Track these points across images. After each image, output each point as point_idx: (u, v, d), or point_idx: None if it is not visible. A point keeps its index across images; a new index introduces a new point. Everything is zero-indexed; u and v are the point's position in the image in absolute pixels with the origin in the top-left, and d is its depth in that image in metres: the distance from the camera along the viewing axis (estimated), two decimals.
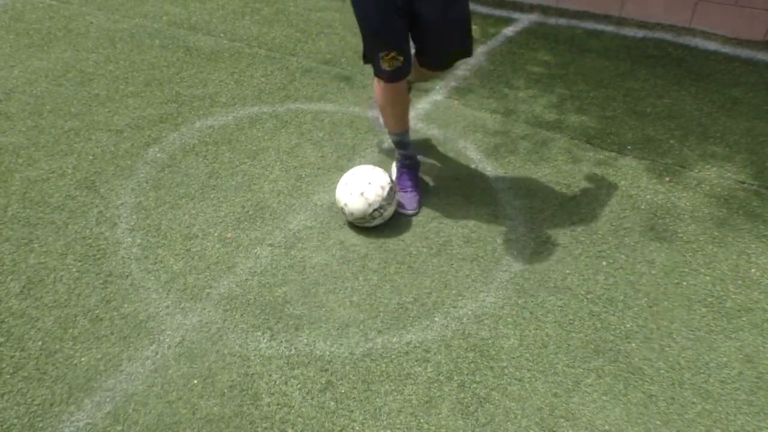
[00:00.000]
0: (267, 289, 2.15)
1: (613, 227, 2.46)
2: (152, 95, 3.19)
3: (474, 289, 2.18)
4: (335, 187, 2.46)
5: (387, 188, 2.35)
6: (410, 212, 2.49)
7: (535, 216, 2.50)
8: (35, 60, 3.46)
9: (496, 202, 2.58)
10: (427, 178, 2.69)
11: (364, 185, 2.32)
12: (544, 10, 4.32)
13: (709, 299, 2.16)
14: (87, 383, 1.82)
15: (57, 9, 4.07)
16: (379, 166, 2.49)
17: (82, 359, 1.89)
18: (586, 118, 3.14)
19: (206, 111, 3.09)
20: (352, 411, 1.79)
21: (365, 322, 2.05)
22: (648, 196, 2.63)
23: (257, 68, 3.48)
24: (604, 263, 2.30)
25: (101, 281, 2.15)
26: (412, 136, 2.92)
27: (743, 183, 2.71)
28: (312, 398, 1.82)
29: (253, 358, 1.92)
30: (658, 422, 1.78)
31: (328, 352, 1.95)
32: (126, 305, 2.07)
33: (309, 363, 1.91)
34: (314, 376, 1.87)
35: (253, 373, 1.87)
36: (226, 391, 1.82)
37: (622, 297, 2.17)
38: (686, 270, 2.28)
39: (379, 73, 2.26)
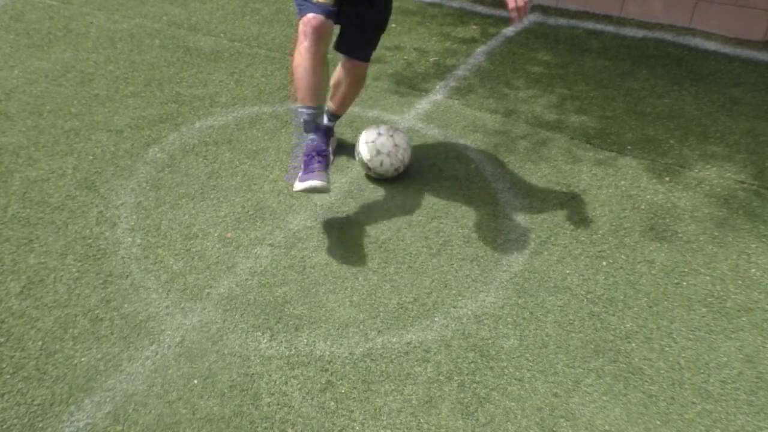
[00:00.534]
0: (267, 289, 2.15)
1: (613, 227, 2.46)
2: (152, 95, 3.19)
3: (474, 289, 2.18)
4: (335, 187, 2.45)
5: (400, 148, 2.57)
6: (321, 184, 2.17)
7: (535, 216, 2.50)
8: (35, 60, 3.46)
9: (496, 202, 2.58)
10: (427, 178, 2.69)
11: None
12: (544, 10, 4.31)
13: (709, 299, 2.17)
14: (87, 383, 1.82)
15: (57, 9, 4.07)
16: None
17: (82, 359, 1.89)
18: (586, 118, 3.14)
19: (206, 111, 3.09)
20: (352, 411, 1.79)
21: (365, 322, 2.05)
22: (648, 196, 2.63)
23: (257, 68, 3.48)
24: (604, 263, 2.30)
25: (101, 281, 2.15)
26: (412, 136, 2.92)
27: (743, 183, 2.71)
28: (312, 398, 1.81)
29: (253, 358, 1.92)
30: (658, 422, 1.78)
31: (328, 352, 1.95)
32: (126, 305, 2.07)
33: (309, 363, 1.91)
34: (314, 376, 1.87)
35: (253, 373, 1.87)
36: (226, 391, 1.82)
37: (622, 297, 2.17)
38: (686, 270, 2.28)
39: (310, 9, 2.08)
